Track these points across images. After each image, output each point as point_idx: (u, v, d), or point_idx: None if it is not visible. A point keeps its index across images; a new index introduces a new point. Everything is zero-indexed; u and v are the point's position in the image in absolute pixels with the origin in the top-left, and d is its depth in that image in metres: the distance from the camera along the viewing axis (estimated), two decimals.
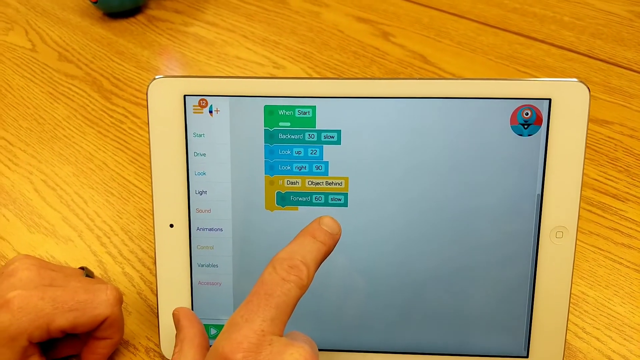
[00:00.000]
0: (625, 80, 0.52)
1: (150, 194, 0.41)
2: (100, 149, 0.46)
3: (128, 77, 0.55)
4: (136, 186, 0.42)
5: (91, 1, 0.63)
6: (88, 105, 0.51)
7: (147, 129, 0.48)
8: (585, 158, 0.42)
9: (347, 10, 0.65)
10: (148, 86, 0.28)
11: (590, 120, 0.46)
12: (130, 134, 0.48)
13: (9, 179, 0.44)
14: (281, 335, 0.23)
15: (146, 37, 0.61)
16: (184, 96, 0.28)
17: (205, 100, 0.28)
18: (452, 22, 0.62)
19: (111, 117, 0.50)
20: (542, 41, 0.58)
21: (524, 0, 0.65)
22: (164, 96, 0.28)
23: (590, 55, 0.56)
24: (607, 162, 0.43)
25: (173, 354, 0.26)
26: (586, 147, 0.44)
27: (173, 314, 0.28)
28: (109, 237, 0.38)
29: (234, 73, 0.55)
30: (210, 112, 0.28)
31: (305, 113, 0.28)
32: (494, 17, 0.63)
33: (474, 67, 0.54)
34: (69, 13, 0.67)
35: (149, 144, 0.29)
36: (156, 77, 0.28)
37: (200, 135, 0.28)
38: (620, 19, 0.62)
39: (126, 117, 0.50)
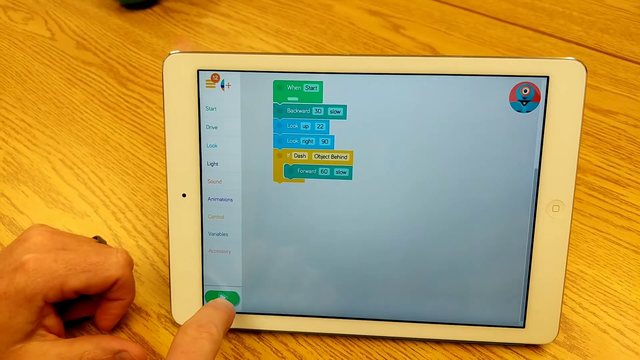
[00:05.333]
0: (631, 72, 0.53)
1: (164, 173, 0.43)
2: (116, 132, 0.48)
3: (144, 65, 0.56)
4: (150, 166, 0.44)
5: None
6: (105, 91, 0.53)
7: (162, 114, 0.49)
8: (588, 145, 0.44)
9: (359, 4, 0.66)
10: (164, 61, 0.29)
11: (595, 110, 0.48)
12: (145, 117, 0.49)
13: (28, 158, 0.45)
14: None
15: (162, 28, 0.63)
16: (198, 71, 0.29)
17: (218, 75, 0.29)
18: (463, 16, 0.63)
19: (127, 102, 0.51)
20: (551, 35, 0.59)
21: None
22: (179, 70, 0.29)
23: (598, 49, 0.56)
24: (610, 149, 0.43)
25: None
26: (588, 134, 0.45)
27: None
28: (123, 213, 0.40)
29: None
30: (222, 86, 0.30)
31: (312, 88, 0.29)
32: (503, 12, 0.63)
33: None
34: (87, 4, 0.69)
35: (164, 117, 0.30)
36: (171, 52, 0.30)
37: (212, 109, 0.30)
38: (629, 14, 0.62)
39: (141, 102, 0.51)
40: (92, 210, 0.40)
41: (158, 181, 0.43)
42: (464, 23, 0.62)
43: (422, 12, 0.64)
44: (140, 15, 0.66)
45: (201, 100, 0.30)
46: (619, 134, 0.45)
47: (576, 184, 0.39)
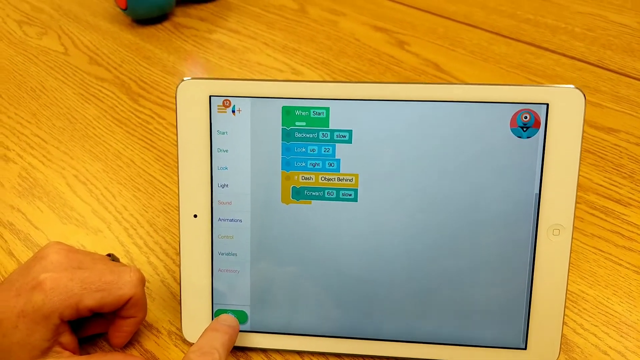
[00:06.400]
0: (633, 89, 0.53)
1: (175, 190, 0.44)
2: (128, 148, 0.49)
3: (155, 81, 0.58)
4: (161, 182, 0.45)
5: (121, 8, 0.67)
6: (117, 107, 0.54)
7: (172, 130, 0.51)
8: (589, 163, 0.44)
9: (364, 20, 0.67)
10: (177, 86, 0.31)
11: (597, 127, 0.48)
12: (156, 133, 0.50)
13: (43, 173, 0.47)
14: None
15: (172, 43, 0.64)
16: (210, 96, 0.31)
17: (229, 100, 0.31)
18: (466, 32, 0.64)
19: (138, 117, 0.53)
20: (553, 51, 0.60)
21: (536, 12, 0.67)
22: (192, 96, 0.31)
23: (600, 65, 0.57)
24: (612, 168, 0.44)
25: None
26: (590, 152, 0.45)
27: None
28: (135, 229, 0.41)
29: (255, 77, 0.58)
30: (233, 111, 0.31)
31: (319, 114, 0.30)
32: (507, 28, 0.64)
33: (485, 76, 0.56)
34: (100, 19, 0.71)
35: (177, 140, 0.31)
36: (185, 78, 0.31)
37: (223, 133, 0.31)
38: (632, 30, 0.63)
39: (153, 118, 0.53)
40: (105, 227, 0.41)
41: (169, 197, 0.44)
42: (468, 39, 0.63)
43: (425, 27, 0.65)
44: (151, 30, 0.67)
45: (213, 124, 0.31)
46: (621, 152, 0.46)
47: (577, 202, 0.40)
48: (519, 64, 0.58)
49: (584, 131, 0.28)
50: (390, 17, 0.68)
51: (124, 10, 0.66)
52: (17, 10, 0.75)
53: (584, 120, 0.28)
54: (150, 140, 0.50)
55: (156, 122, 0.52)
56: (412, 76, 0.57)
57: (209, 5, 0.72)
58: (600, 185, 0.42)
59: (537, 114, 0.29)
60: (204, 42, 0.64)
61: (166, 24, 0.68)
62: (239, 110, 0.31)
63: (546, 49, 0.60)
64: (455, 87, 0.29)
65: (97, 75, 0.59)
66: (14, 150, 0.50)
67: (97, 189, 0.45)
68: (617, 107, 0.51)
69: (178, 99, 0.31)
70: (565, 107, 0.28)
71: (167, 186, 0.45)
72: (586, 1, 0.69)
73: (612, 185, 0.43)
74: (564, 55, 0.59)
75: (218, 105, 0.31)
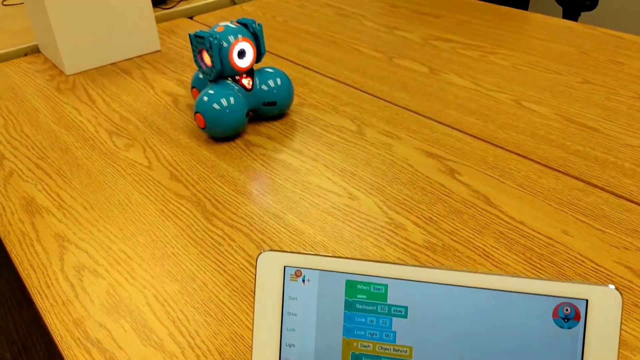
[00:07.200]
0: None
1: (241, 317, 0.49)
2: (201, 270, 0.55)
3: (227, 200, 0.64)
4: (230, 309, 0.50)
5: (199, 127, 0.75)
6: (193, 225, 0.61)
7: (241, 253, 0.56)
8: (635, 319, 0.46)
9: (417, 144, 0.73)
10: (257, 257, 0.36)
11: None
12: (227, 256, 0.56)
13: (127, 291, 0.53)
14: None
15: (243, 162, 0.71)
16: (284, 267, 0.36)
17: (300, 271, 0.36)
18: (516, 162, 0.68)
19: (212, 238, 0.59)
20: (602, 188, 0.62)
21: (585, 143, 0.70)
22: (269, 265, 0.36)
23: None
24: None
25: None
26: (637, 306, 0.47)
27: None
28: (205, 357, 0.46)
29: (315, 202, 0.63)
30: (303, 280, 0.35)
31: (379, 289, 0.34)
32: (555, 160, 0.68)
33: (533, 213, 0.59)
34: (180, 133, 0.79)
35: (254, 302, 0.36)
36: (265, 250, 0.36)
37: (294, 299, 0.36)
38: None
39: (224, 239, 0.58)
40: (180, 352, 0.46)
41: (236, 326, 0.48)
42: (517, 170, 0.66)
43: (476, 155, 0.69)
44: (225, 147, 0.75)
45: (285, 290, 0.36)
46: None
47: None
48: (567, 201, 0.61)
49: (621, 326, 0.31)
50: (442, 142, 0.73)
51: (202, 129, 0.75)
52: (108, 119, 0.85)
53: (621, 317, 0.31)
54: (222, 264, 0.55)
55: (227, 244, 0.58)
56: (462, 208, 0.61)
57: (276, 124, 0.80)
58: None
59: (577, 307, 0.32)
60: (271, 162, 0.71)
61: (238, 141, 0.76)
62: (308, 280, 0.35)
63: (595, 186, 0.63)
64: (503, 278, 0.33)
65: (177, 191, 0.67)
66: (102, 265, 0.56)
67: (174, 312, 0.50)
68: None
69: (258, 267, 0.36)
70: (603, 304, 0.31)
71: (235, 313, 0.50)
72: (636, 133, 0.72)
73: None
74: (613, 193, 0.61)
75: (290, 275, 0.36)
